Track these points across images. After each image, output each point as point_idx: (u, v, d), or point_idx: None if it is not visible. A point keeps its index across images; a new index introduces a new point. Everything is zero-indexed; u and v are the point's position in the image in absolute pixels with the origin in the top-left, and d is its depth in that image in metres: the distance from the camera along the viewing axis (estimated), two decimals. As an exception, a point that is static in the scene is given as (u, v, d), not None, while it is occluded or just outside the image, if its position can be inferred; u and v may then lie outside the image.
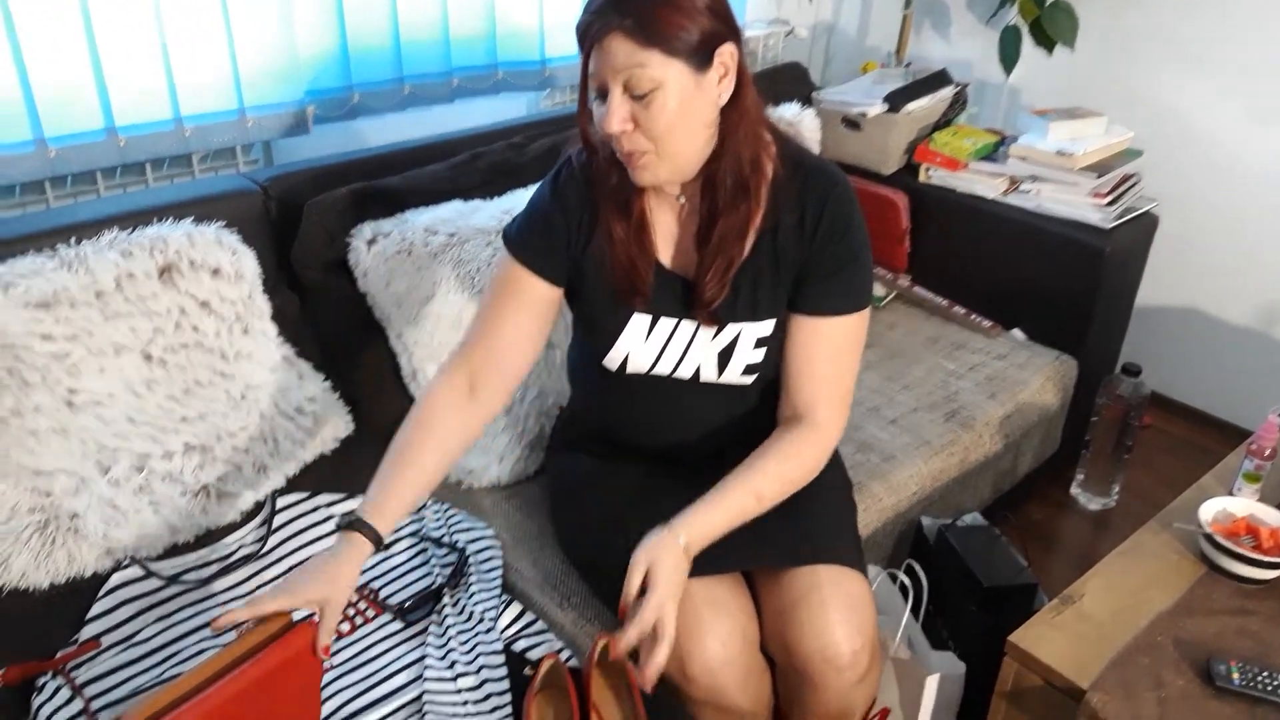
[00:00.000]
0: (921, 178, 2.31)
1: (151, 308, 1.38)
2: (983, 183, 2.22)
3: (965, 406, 1.91)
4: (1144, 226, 2.17)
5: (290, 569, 1.40)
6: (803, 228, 1.23)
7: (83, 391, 1.33)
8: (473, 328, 1.29)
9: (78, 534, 1.29)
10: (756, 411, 1.34)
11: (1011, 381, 2.00)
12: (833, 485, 1.42)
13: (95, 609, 1.28)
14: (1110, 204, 2.09)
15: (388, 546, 1.41)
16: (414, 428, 1.23)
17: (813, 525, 1.32)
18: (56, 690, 1.17)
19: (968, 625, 1.59)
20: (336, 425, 1.56)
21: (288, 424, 1.49)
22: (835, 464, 1.45)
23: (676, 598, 1.15)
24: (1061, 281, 2.10)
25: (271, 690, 1.05)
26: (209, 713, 0.99)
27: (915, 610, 1.51)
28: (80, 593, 1.29)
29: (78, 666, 1.22)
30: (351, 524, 1.15)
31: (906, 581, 1.49)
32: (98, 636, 1.26)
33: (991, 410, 1.91)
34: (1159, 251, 2.28)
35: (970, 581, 1.58)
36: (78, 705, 1.16)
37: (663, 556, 1.15)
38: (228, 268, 1.44)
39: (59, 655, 1.22)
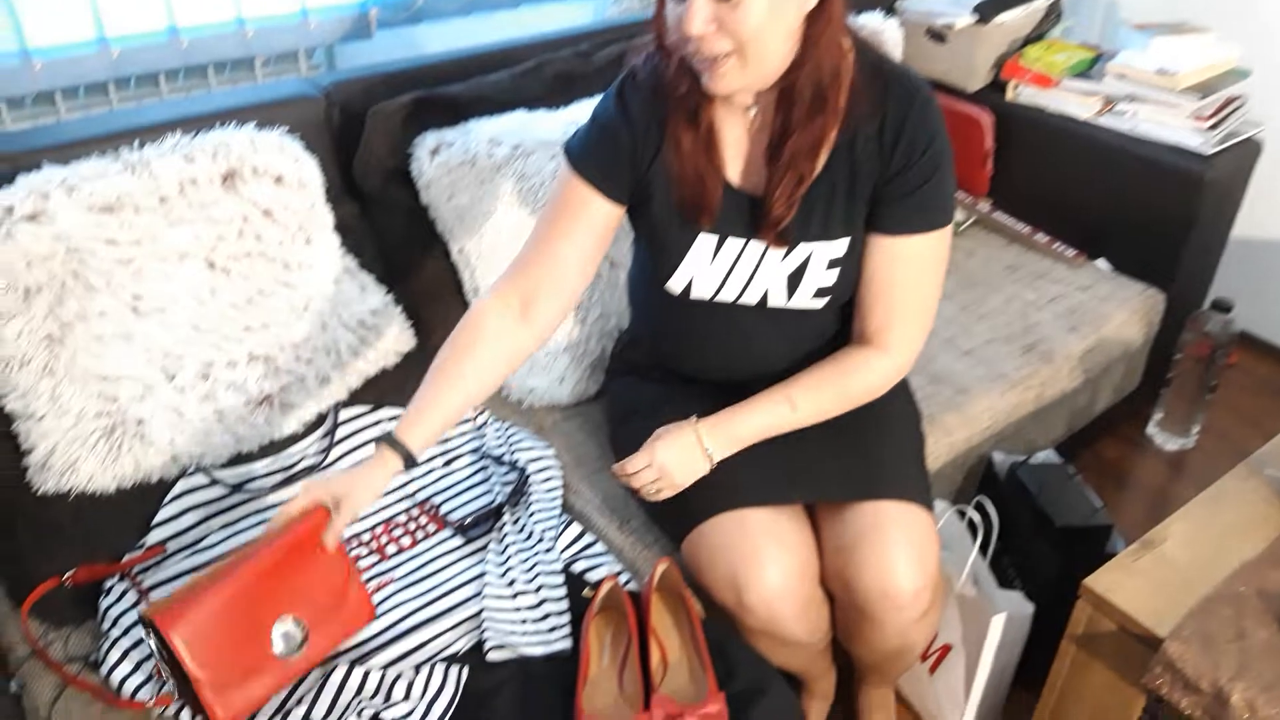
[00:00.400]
0: (1009, 95, 2.19)
1: (214, 215, 1.37)
2: (1075, 102, 2.09)
3: (1045, 339, 1.83)
4: (1247, 153, 2.03)
5: (351, 481, 1.40)
6: (882, 139, 1.16)
7: (147, 297, 1.32)
8: (529, 245, 1.25)
9: (144, 440, 1.30)
10: (827, 338, 1.29)
11: (1094, 314, 1.91)
12: (902, 416, 1.37)
13: (161, 514, 1.29)
14: (1212, 128, 1.95)
15: (447, 453, 1.40)
16: (452, 349, 1.20)
17: (879, 458, 1.28)
18: (123, 594, 1.19)
19: (1037, 565, 1.54)
20: (398, 339, 1.54)
21: (350, 336, 1.47)
22: (905, 394, 1.40)
23: (666, 464, 1.20)
24: (1154, 210, 1.98)
25: (292, 573, 1.07)
26: (221, 599, 1.02)
27: (984, 548, 1.47)
28: (147, 498, 1.30)
29: (144, 570, 1.24)
30: (383, 438, 1.15)
31: (976, 518, 1.45)
32: (163, 541, 1.28)
33: (1072, 344, 1.83)
34: (1260, 180, 2.14)
35: (1042, 521, 1.52)
36: (144, 608, 1.18)
37: (670, 431, 1.22)
38: (290, 175, 1.42)
39: (125, 559, 1.24)
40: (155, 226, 1.33)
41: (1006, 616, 1.39)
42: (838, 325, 1.29)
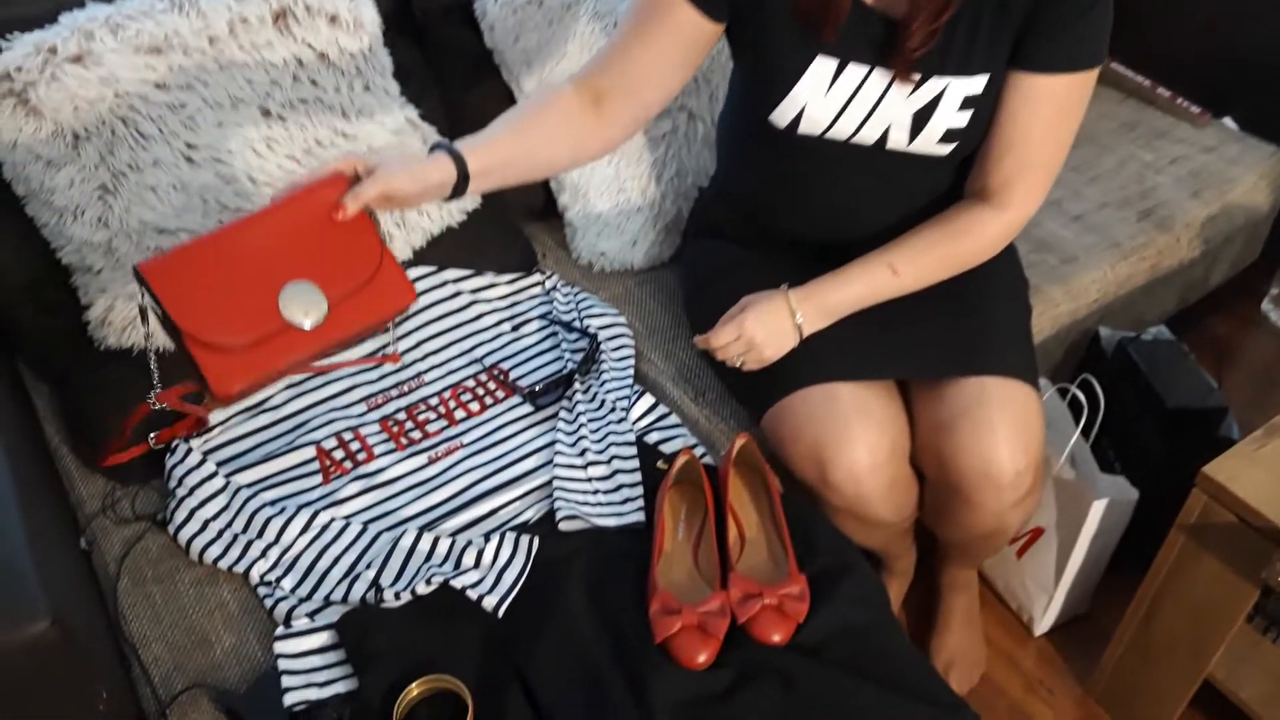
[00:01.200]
0: (1137, -71, 1.95)
1: (267, 58, 1.28)
2: (1214, -64, 1.86)
3: (1163, 205, 1.67)
4: None
5: (418, 344, 1.34)
6: None
7: (201, 147, 1.25)
8: (610, 41, 1.12)
9: (204, 297, 1.25)
10: (938, 196, 1.16)
11: (1219, 178, 1.74)
12: (1008, 284, 1.25)
13: (225, 374, 1.26)
14: (1373, -35, 1.72)
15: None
16: (522, 108, 1.10)
17: (983, 330, 1.18)
18: (188, 453, 1.17)
19: (1141, 448, 1.44)
20: (463, 197, 1.45)
21: (412, 192, 1.39)
22: (1012, 260, 1.28)
23: (754, 338, 1.11)
24: (1294, 61, 1.78)
25: (308, 236, 0.97)
26: (218, 249, 0.95)
27: (1086, 430, 1.37)
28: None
29: (206, 432, 1.21)
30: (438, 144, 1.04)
31: (1081, 397, 1.35)
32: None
33: (1193, 211, 1.67)
34: None
35: (1151, 401, 1.41)
36: (209, 468, 1.15)
37: (759, 301, 1.13)
38: (345, 14, 1.31)
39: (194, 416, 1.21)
40: (206, 70, 1.25)
41: (1108, 502, 1.31)
42: (952, 182, 1.16)
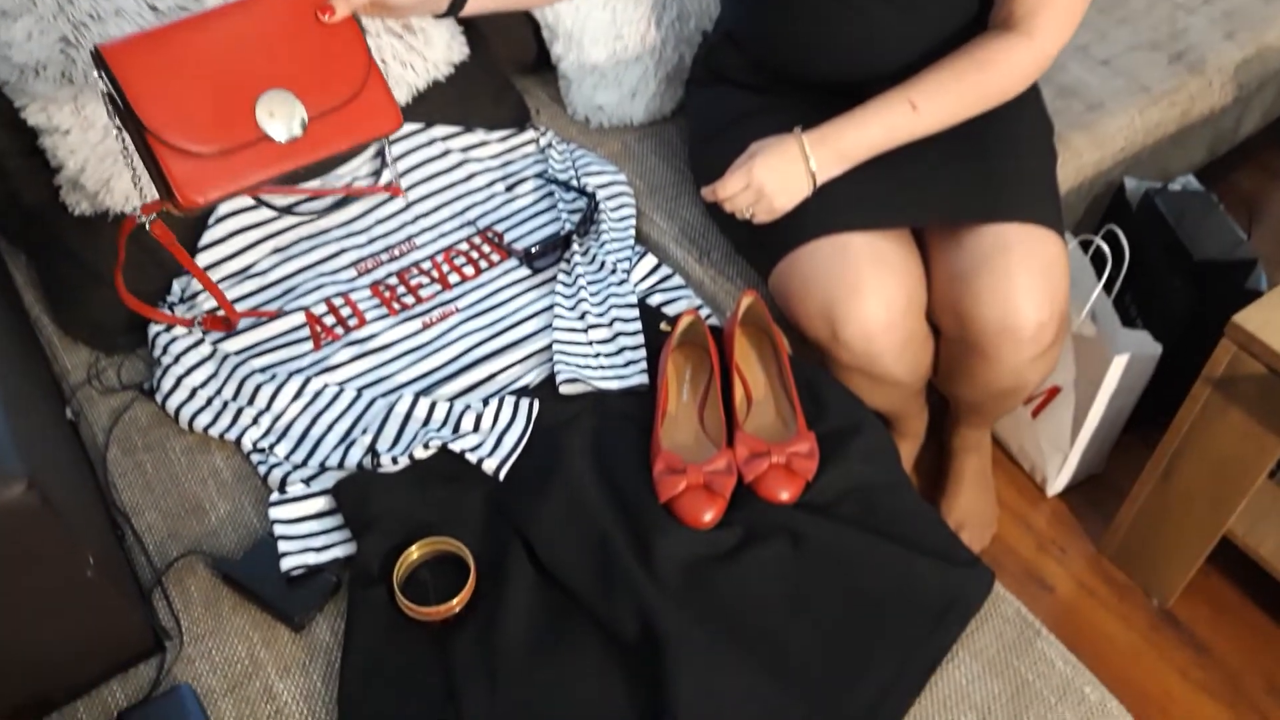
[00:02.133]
0: None
1: (229, -108, 1.18)
2: None
3: (1195, 47, 1.57)
4: None
5: (407, 206, 1.28)
6: None
7: (166, -5, 1.16)
8: None
9: (179, 158, 1.18)
10: (963, 25, 1.08)
11: (1255, 19, 1.63)
12: (1031, 127, 1.18)
13: (205, 238, 1.20)
14: None
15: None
16: None
17: (1005, 175, 1.11)
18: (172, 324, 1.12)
19: (1165, 302, 1.38)
20: (450, 48, 1.36)
21: (395, 43, 1.31)
22: (1036, 102, 1.21)
23: (764, 185, 1.05)
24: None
25: (288, 40, 0.90)
26: (191, 41, 0.87)
27: (1108, 285, 1.31)
28: (189, 221, 1.20)
29: (191, 298, 1.16)
30: None
31: (1105, 248, 1.28)
32: (209, 268, 1.19)
33: (1227, 53, 1.57)
34: None
35: (1178, 253, 1.35)
36: (195, 335, 1.11)
37: (770, 145, 1.06)
38: None
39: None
40: (164, -90, 1.15)
41: (1130, 357, 1.26)
42: (976, 11, 1.07)
